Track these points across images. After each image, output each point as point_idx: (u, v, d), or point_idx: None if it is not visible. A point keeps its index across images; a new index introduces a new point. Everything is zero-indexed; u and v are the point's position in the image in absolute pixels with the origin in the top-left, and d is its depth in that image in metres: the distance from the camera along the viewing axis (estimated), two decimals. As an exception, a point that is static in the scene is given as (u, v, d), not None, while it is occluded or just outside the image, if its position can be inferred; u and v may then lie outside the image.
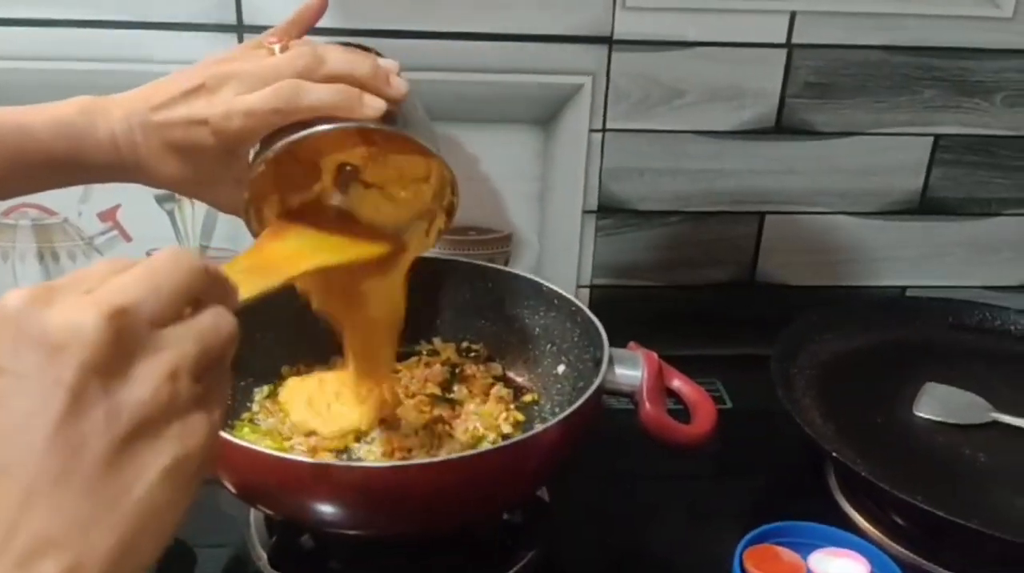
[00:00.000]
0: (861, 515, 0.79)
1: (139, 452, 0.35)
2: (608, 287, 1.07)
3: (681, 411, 0.75)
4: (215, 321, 0.39)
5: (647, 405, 0.71)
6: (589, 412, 0.68)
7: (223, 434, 0.61)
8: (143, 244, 1.00)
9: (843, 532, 0.69)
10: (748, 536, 0.67)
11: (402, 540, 0.71)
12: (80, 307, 0.35)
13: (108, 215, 0.99)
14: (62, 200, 0.97)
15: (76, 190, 0.96)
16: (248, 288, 0.48)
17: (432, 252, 1.00)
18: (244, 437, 0.72)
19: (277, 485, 0.61)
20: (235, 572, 0.74)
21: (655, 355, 0.75)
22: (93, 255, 1.01)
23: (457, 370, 0.87)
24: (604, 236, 1.04)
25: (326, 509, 0.62)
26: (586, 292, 1.07)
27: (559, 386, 0.84)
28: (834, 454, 0.74)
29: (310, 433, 0.76)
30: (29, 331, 0.34)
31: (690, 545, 0.78)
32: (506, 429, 0.79)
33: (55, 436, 0.34)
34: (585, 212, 1.03)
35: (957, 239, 1.08)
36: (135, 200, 0.98)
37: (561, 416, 0.66)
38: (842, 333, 0.95)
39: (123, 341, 0.35)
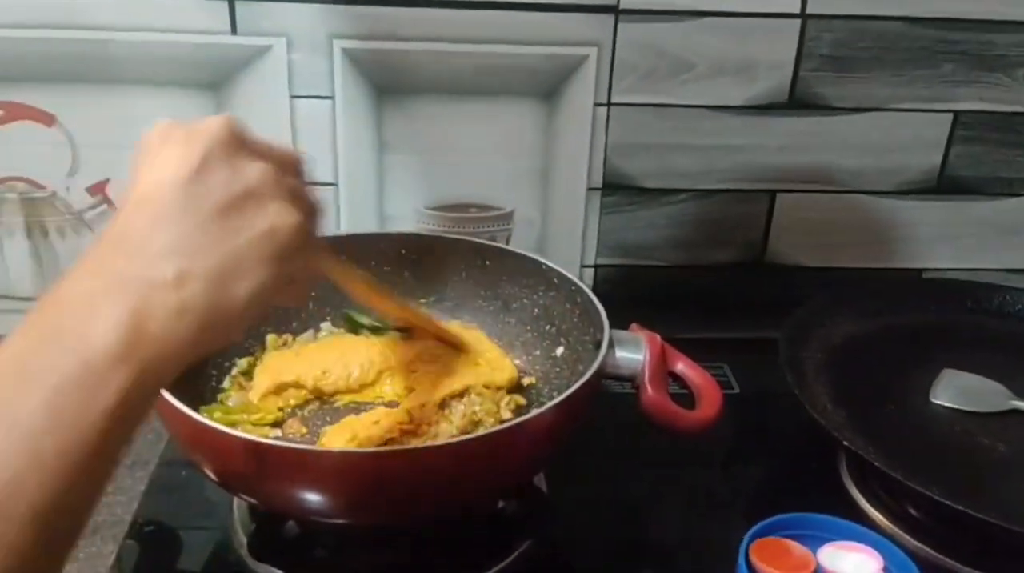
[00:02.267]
0: (873, 506, 0.76)
1: (245, 212, 0.46)
2: (612, 267, 1.05)
3: (685, 396, 0.72)
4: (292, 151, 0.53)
5: (649, 389, 0.68)
6: (587, 396, 0.65)
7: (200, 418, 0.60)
8: (133, 219, 0.97)
9: (855, 525, 0.66)
10: (754, 528, 0.65)
11: (390, 529, 0.68)
12: (212, 118, 0.48)
13: (98, 189, 0.97)
14: (51, 173, 0.96)
15: (64, 162, 0.94)
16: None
17: (429, 229, 0.99)
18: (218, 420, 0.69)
19: (253, 473, 0.58)
20: (219, 559, 0.71)
21: (658, 337, 0.71)
22: (83, 231, 0.99)
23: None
24: (609, 214, 1.02)
25: (306, 497, 0.59)
26: (590, 272, 1.05)
27: (558, 369, 0.81)
28: (846, 443, 0.71)
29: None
30: (177, 126, 0.48)
31: (693, 536, 0.76)
32: (506, 414, 0.76)
33: (187, 183, 0.46)
34: (589, 189, 1.00)
35: (976, 220, 1.05)
36: (125, 173, 0.93)
37: (557, 400, 0.62)
38: (855, 316, 0.92)
39: (243, 138, 0.49)
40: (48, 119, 0.93)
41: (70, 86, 0.92)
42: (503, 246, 0.85)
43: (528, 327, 0.84)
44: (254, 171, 0.48)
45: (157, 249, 0.44)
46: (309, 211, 0.51)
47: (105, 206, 0.98)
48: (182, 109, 0.93)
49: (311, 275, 0.56)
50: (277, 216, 0.47)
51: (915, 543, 0.72)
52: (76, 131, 0.94)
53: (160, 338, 0.43)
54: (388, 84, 0.94)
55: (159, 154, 0.47)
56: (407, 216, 1.00)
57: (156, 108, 0.92)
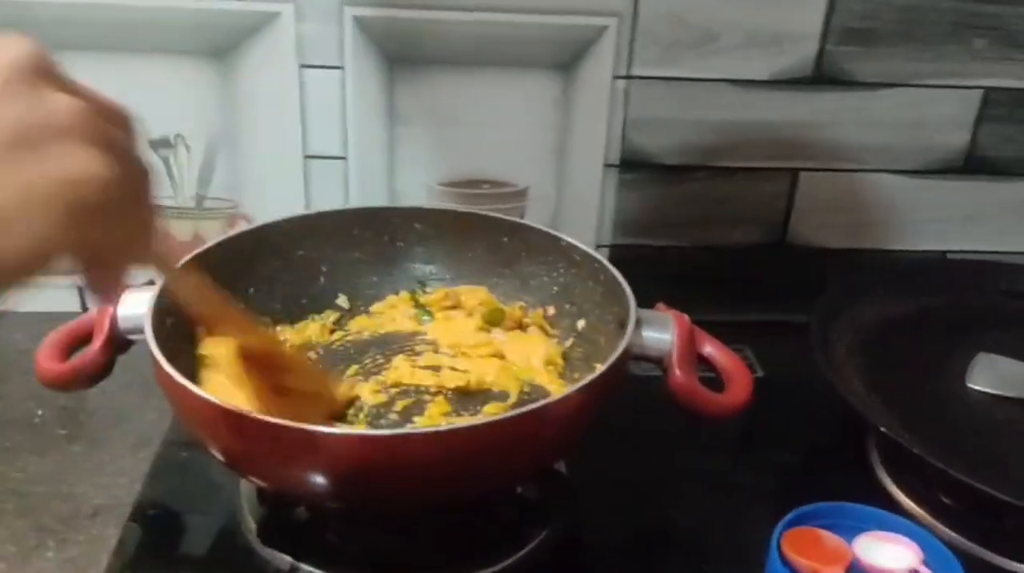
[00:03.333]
0: (906, 495, 0.74)
1: (39, 149, 0.37)
2: (629, 246, 1.02)
3: (711, 379, 0.69)
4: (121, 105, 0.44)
5: (677, 372, 0.65)
6: (614, 379, 0.62)
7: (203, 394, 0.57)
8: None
9: (890, 515, 0.63)
10: (786, 518, 0.62)
11: (405, 515, 0.65)
12: (16, 39, 0.40)
13: None
14: None
15: None
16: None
17: (443, 205, 0.96)
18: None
19: (264, 453, 0.55)
20: (225, 545, 0.68)
21: (686, 317, 0.69)
22: None
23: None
24: (626, 192, 0.99)
25: (319, 480, 0.56)
26: (606, 251, 1.02)
27: (581, 349, 0.78)
28: (883, 429, 0.68)
29: None
30: None
31: (720, 525, 0.73)
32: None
33: None
34: (606, 166, 0.98)
35: (1005, 201, 1.03)
36: None
37: (582, 382, 0.59)
38: (887, 297, 0.89)
39: (54, 70, 0.40)
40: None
41: (72, 53, 0.86)
42: (522, 221, 0.82)
43: (548, 305, 0.81)
44: (62, 104, 0.39)
45: None
46: (134, 173, 0.42)
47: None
48: (186, 77, 0.90)
49: (129, 259, 0.45)
50: (84, 163, 0.38)
51: (950, 533, 0.70)
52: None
53: None
54: (400, 54, 0.91)
55: None
56: (418, 192, 0.98)
57: (159, 76, 0.90)
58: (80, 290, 0.99)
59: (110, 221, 0.40)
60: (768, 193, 1.00)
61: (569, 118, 0.95)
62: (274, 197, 0.96)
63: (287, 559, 0.64)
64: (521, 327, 0.80)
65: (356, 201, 0.97)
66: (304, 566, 0.64)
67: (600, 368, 0.61)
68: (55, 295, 0.97)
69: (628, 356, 0.64)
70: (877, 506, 0.63)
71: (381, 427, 0.68)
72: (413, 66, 0.92)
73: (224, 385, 0.68)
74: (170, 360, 0.60)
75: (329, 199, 0.96)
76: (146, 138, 0.47)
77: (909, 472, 0.74)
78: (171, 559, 0.67)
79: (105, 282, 0.45)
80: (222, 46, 0.89)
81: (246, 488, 0.70)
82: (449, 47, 0.91)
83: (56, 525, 0.71)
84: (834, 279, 0.89)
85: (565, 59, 0.92)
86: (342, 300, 0.82)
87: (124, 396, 0.84)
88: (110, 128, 0.41)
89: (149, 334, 0.61)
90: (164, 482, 0.74)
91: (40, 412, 0.84)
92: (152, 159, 0.46)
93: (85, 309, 0.98)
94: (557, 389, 0.73)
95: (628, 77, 0.93)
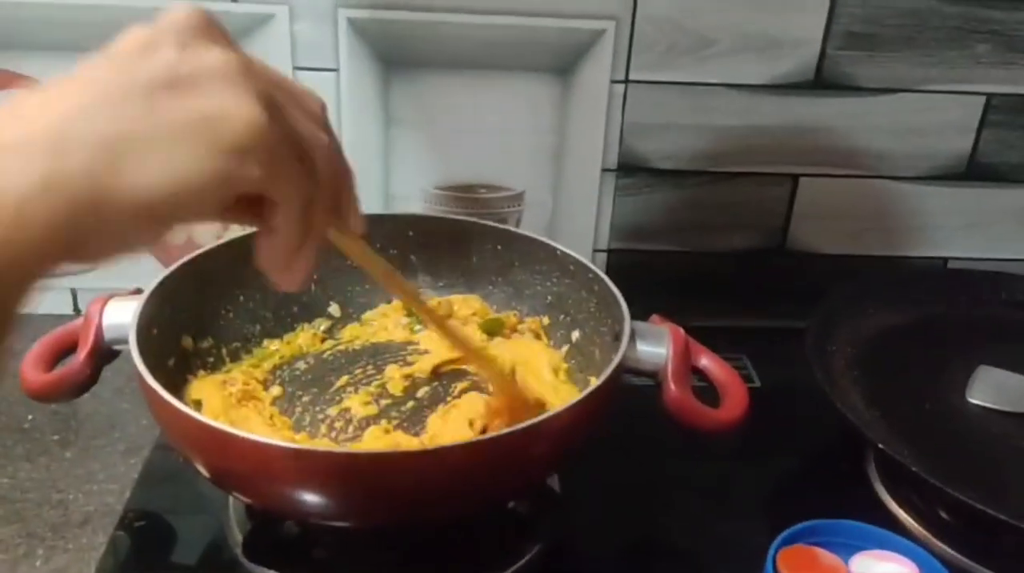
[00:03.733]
0: (905, 511, 0.73)
1: (185, 91, 0.37)
2: (626, 252, 1.01)
3: (704, 388, 0.69)
4: (309, 89, 0.44)
5: (672, 386, 0.64)
6: (606, 395, 0.61)
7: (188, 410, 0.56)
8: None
9: (889, 533, 0.62)
10: (782, 535, 0.61)
11: (395, 531, 0.64)
12: (187, 4, 0.40)
13: None
14: None
15: None
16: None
17: (436, 209, 0.95)
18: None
19: (249, 471, 0.54)
20: (211, 558, 0.67)
21: (681, 330, 0.68)
22: None
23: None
24: (624, 196, 0.98)
25: (305, 499, 0.55)
26: (603, 257, 1.02)
27: (574, 361, 0.77)
28: (881, 446, 0.67)
29: None
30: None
31: (715, 541, 0.72)
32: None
33: (122, 56, 0.38)
34: (604, 170, 0.97)
35: (1007, 208, 1.02)
36: None
37: (575, 400, 0.58)
38: (884, 307, 0.88)
39: (213, 28, 0.40)
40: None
41: (60, 54, 0.88)
42: (516, 230, 0.81)
43: (541, 316, 0.80)
44: (215, 56, 0.38)
45: (50, 112, 0.35)
46: (301, 133, 0.41)
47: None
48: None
49: (303, 231, 0.42)
50: (233, 103, 0.37)
51: (949, 551, 0.69)
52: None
53: (15, 216, 0.33)
54: (396, 56, 0.90)
55: (116, 40, 0.39)
56: (414, 195, 0.97)
57: None
58: (73, 293, 0.98)
59: (272, 171, 0.39)
60: (768, 198, 1.00)
61: (566, 122, 0.94)
62: (268, 201, 0.95)
63: (273, 575, 0.63)
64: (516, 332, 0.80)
65: (351, 205, 0.95)
66: (291, 582, 0.63)
67: (594, 383, 0.60)
68: (48, 297, 0.96)
69: (622, 370, 0.63)
70: (875, 521, 0.62)
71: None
72: (408, 69, 0.91)
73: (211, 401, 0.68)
74: (155, 370, 0.59)
75: (323, 203, 0.95)
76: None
77: (908, 488, 0.73)
78: (155, 570, 0.66)
79: (281, 258, 0.43)
80: (216, 48, 0.88)
81: (234, 500, 0.69)
82: (445, 50, 0.90)
83: (46, 532, 0.71)
84: (832, 288, 0.87)
85: (562, 63, 0.91)
86: (333, 308, 0.82)
87: (117, 401, 0.83)
88: (270, 86, 0.40)
89: (133, 346, 0.60)
90: (152, 491, 0.73)
91: (31, 417, 0.83)
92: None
93: (77, 312, 0.97)
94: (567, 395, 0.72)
95: (626, 81, 0.92)
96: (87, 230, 0.35)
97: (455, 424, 0.65)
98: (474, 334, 0.77)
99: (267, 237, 0.42)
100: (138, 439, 0.80)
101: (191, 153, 0.36)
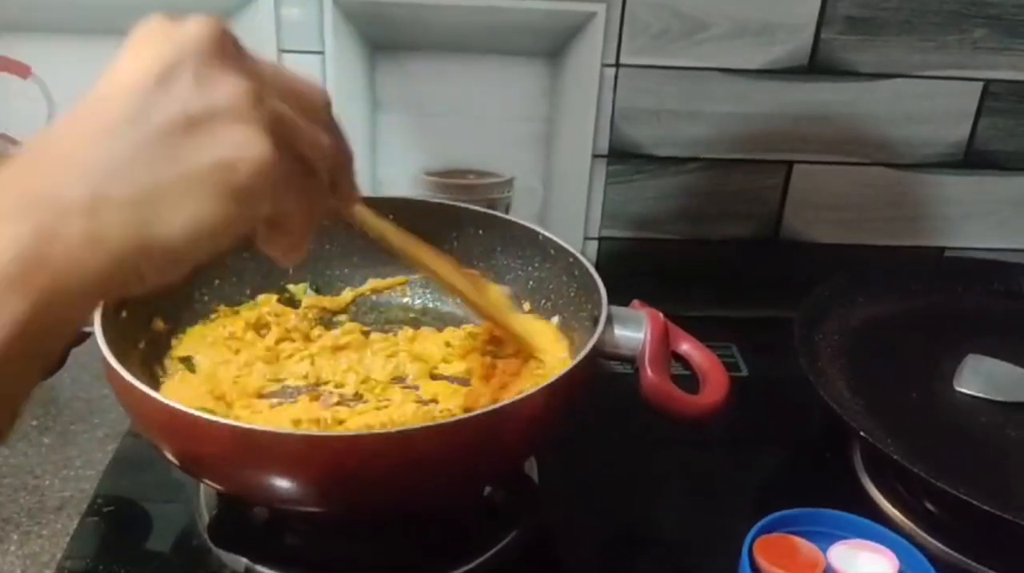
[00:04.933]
0: (890, 502, 0.71)
1: (199, 134, 0.39)
2: (618, 240, 1.00)
3: (690, 378, 0.67)
4: (308, 82, 0.45)
5: (649, 371, 0.63)
6: (582, 378, 0.60)
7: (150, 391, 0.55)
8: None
9: (869, 522, 0.61)
10: (759, 524, 0.60)
11: (368, 517, 0.63)
12: (200, 19, 0.42)
13: None
14: (26, 128, 0.91)
15: (40, 118, 0.91)
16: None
17: (424, 195, 0.94)
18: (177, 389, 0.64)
19: (215, 455, 0.53)
20: (181, 544, 0.66)
21: (660, 315, 0.66)
22: None
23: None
24: (615, 183, 0.97)
25: (272, 484, 0.54)
26: (594, 244, 1.01)
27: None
28: (863, 434, 0.65)
29: None
30: (166, 24, 0.42)
31: (695, 530, 0.70)
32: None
33: (143, 91, 0.39)
34: (595, 156, 0.96)
35: (1005, 196, 1.00)
36: None
37: (548, 382, 0.57)
38: (875, 297, 0.86)
39: (231, 49, 0.41)
40: (23, 71, 0.89)
41: (47, 36, 0.88)
42: (497, 213, 0.80)
43: (522, 300, 0.79)
44: (227, 88, 0.40)
45: (80, 167, 0.38)
46: (305, 149, 0.44)
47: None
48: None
49: (307, 225, 0.46)
50: (241, 146, 0.40)
51: (934, 543, 0.67)
52: (53, 85, 0.90)
53: (64, 268, 0.37)
54: (383, 39, 0.89)
55: (129, 54, 0.41)
56: (402, 181, 0.96)
57: None
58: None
59: (280, 197, 0.42)
60: (761, 186, 0.98)
61: (556, 107, 0.93)
62: (252, 185, 0.94)
63: (242, 561, 0.61)
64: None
65: (337, 191, 0.94)
66: (260, 568, 0.61)
67: (568, 367, 0.59)
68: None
69: (597, 354, 0.62)
70: (859, 512, 0.61)
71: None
72: (396, 52, 0.90)
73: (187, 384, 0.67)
74: (124, 354, 0.58)
75: (309, 188, 0.94)
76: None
77: (892, 478, 0.72)
78: (124, 557, 0.65)
79: (289, 247, 0.47)
80: (201, 30, 0.88)
81: (205, 487, 0.68)
82: (433, 33, 0.89)
83: (21, 518, 0.70)
84: (823, 277, 0.86)
85: (552, 46, 0.90)
86: (311, 294, 0.81)
87: (97, 388, 0.82)
88: (279, 107, 0.42)
89: (98, 330, 0.59)
90: (124, 476, 0.73)
91: (11, 402, 0.82)
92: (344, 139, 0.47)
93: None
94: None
95: (617, 65, 0.91)
96: (128, 275, 0.39)
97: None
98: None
99: (274, 233, 0.46)
100: (117, 425, 0.79)
101: (208, 201, 0.39)
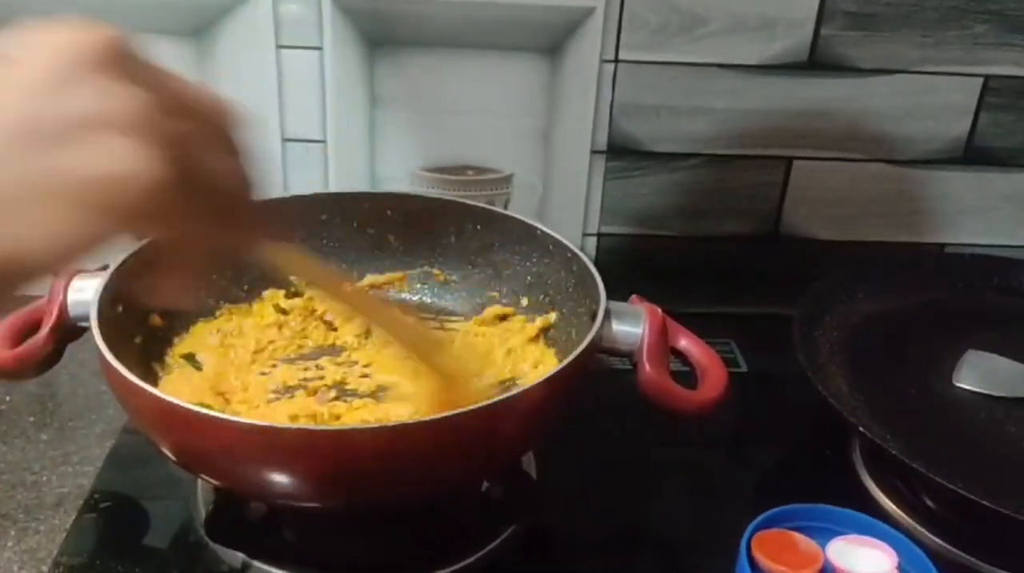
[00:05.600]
0: (889, 498, 0.71)
1: (76, 142, 0.34)
2: (617, 236, 1.00)
3: (688, 373, 0.67)
4: (218, 100, 0.41)
5: (647, 366, 0.63)
6: (579, 373, 0.59)
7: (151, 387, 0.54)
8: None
9: (868, 517, 0.61)
10: (758, 519, 0.60)
11: (365, 512, 0.63)
12: (99, 28, 0.37)
13: None
14: None
15: None
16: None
17: (421, 190, 0.94)
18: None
19: (214, 452, 0.52)
20: (178, 539, 0.66)
21: (659, 310, 0.66)
22: None
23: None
24: (614, 179, 0.97)
25: (268, 478, 0.53)
26: (593, 240, 1.00)
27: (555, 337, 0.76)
28: (862, 429, 0.65)
29: None
30: (69, 30, 0.37)
31: (694, 525, 0.70)
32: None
33: (26, 95, 0.35)
34: (593, 152, 0.95)
35: (1005, 193, 0.99)
36: None
37: (545, 376, 0.57)
38: (875, 293, 0.86)
39: (128, 60, 0.37)
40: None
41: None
42: (495, 209, 0.80)
43: (520, 296, 0.79)
44: (119, 98, 0.36)
45: None
46: (206, 173, 0.39)
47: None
48: (162, 57, 0.87)
49: (198, 259, 0.42)
50: (124, 160, 0.35)
51: (933, 539, 0.67)
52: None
53: None
54: (381, 35, 0.88)
55: (24, 54, 0.36)
56: (400, 177, 0.95)
57: None
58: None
59: (167, 222, 0.37)
60: (760, 182, 0.97)
61: (555, 103, 0.92)
62: (250, 180, 0.94)
63: (239, 556, 0.61)
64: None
65: (335, 186, 0.94)
66: (257, 564, 0.61)
67: (565, 361, 0.59)
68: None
69: (595, 349, 0.62)
70: (858, 508, 0.61)
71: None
72: (394, 48, 0.89)
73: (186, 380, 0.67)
74: (121, 348, 0.58)
75: (307, 183, 0.94)
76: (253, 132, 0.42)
77: (892, 474, 0.72)
78: (121, 553, 0.65)
79: (171, 288, 0.41)
80: (199, 25, 0.87)
81: (202, 482, 0.68)
82: (431, 29, 0.88)
83: (18, 514, 0.70)
84: (822, 274, 0.85)
85: (551, 42, 0.89)
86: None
87: (95, 384, 0.82)
88: (177, 124, 0.37)
89: (94, 324, 0.59)
90: (121, 472, 0.72)
91: (8, 398, 0.82)
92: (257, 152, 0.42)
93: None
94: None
95: (616, 61, 0.90)
96: None
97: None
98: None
99: (162, 270, 0.41)
100: (115, 422, 0.79)
101: (76, 215, 0.34)
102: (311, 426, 0.60)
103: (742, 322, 0.94)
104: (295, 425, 0.59)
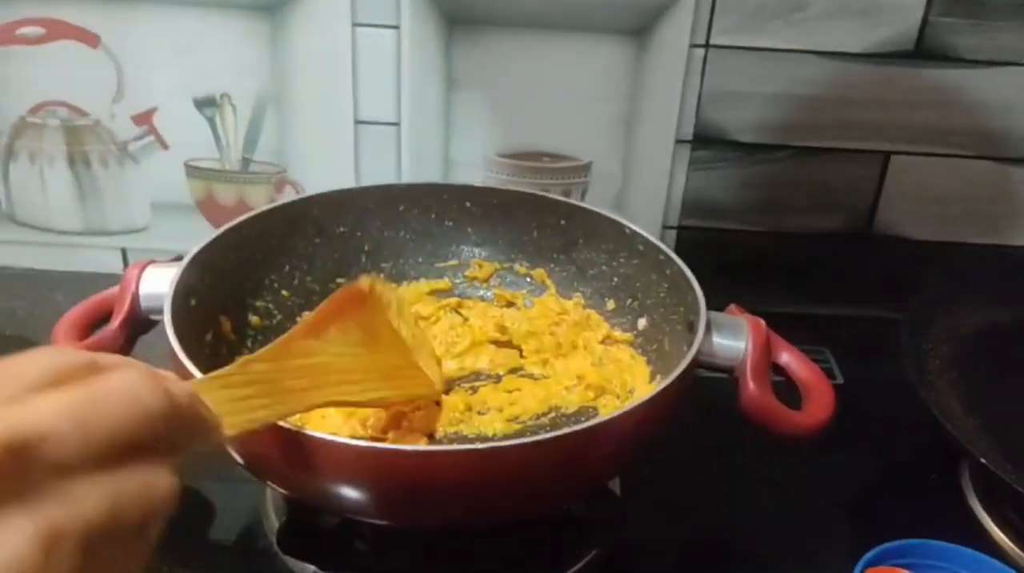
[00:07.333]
0: (1004, 532, 0.66)
1: None
2: (699, 230, 0.96)
3: (782, 384, 0.62)
4: (147, 482, 0.33)
5: (751, 385, 0.59)
6: (677, 393, 0.55)
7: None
8: (181, 152, 0.92)
9: (986, 557, 0.56)
10: (868, 555, 0.56)
11: (442, 530, 0.60)
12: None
13: (143, 119, 0.91)
14: (94, 99, 0.90)
15: (109, 88, 0.89)
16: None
17: (497, 178, 0.90)
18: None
19: (286, 462, 0.49)
20: (246, 546, 0.64)
21: (763, 323, 0.62)
22: (127, 163, 0.92)
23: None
24: (697, 170, 0.93)
25: (346, 495, 0.50)
26: (672, 234, 0.96)
27: (641, 347, 0.71)
28: (984, 461, 0.60)
29: None
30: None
31: (787, 551, 0.66)
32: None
33: None
34: (678, 141, 0.91)
35: (1122, 195, 0.93)
36: (173, 103, 0.90)
37: (645, 398, 0.53)
38: (987, 302, 0.80)
39: (7, 479, 0.29)
40: (92, 40, 0.87)
41: (117, 4, 0.85)
42: (582, 204, 0.76)
43: (606, 298, 0.75)
44: (6, 551, 0.28)
45: None
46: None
47: (151, 138, 0.91)
48: (235, 33, 0.86)
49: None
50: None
51: (1054, 580, 0.62)
52: (122, 54, 0.87)
53: None
54: (460, 14, 0.85)
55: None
56: (474, 163, 0.92)
57: (207, 30, 0.86)
58: (123, 252, 0.95)
59: None
60: (855, 177, 0.93)
61: (639, 88, 0.88)
62: (322, 163, 0.91)
63: (309, 567, 0.58)
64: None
65: (408, 170, 0.91)
66: (326, 575, 0.58)
67: (664, 381, 0.54)
68: (96, 256, 0.94)
69: (695, 365, 0.58)
70: (969, 542, 0.57)
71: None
72: (473, 27, 0.86)
73: None
74: (191, 345, 0.55)
75: (380, 167, 0.91)
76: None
77: (1008, 507, 0.66)
78: (187, 557, 0.62)
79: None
80: (273, 1, 0.84)
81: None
82: (512, 8, 0.85)
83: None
84: (929, 279, 0.80)
85: (638, 24, 0.85)
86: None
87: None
88: (80, 559, 0.30)
89: (167, 318, 0.56)
90: (189, 470, 0.69)
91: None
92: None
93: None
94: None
95: (706, 46, 0.86)
96: None
97: None
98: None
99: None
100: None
101: None
102: (392, 445, 0.57)
103: (832, 326, 0.89)
104: (373, 444, 0.55)
